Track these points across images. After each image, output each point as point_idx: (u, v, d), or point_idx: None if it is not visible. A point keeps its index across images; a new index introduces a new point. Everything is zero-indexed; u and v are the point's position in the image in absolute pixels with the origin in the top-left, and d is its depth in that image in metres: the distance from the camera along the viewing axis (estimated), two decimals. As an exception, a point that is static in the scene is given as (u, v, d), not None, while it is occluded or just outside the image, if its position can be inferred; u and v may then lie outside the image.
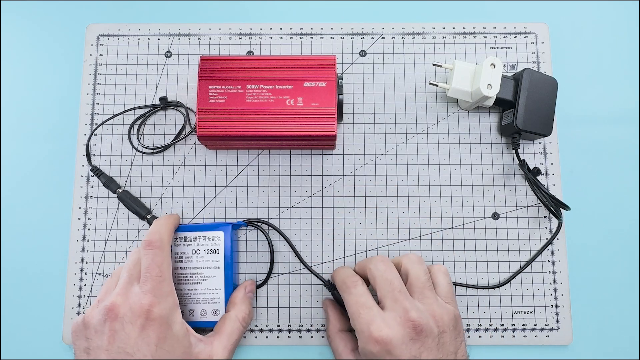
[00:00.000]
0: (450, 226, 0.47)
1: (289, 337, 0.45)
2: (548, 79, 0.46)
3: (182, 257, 0.44)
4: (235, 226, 0.45)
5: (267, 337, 0.45)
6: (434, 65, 0.47)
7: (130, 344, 0.34)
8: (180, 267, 0.43)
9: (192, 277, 0.43)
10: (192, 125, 0.49)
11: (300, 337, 0.45)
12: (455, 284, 0.45)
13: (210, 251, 0.43)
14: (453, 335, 0.37)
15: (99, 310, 0.36)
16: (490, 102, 0.46)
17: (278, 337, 0.45)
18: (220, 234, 0.43)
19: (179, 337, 0.36)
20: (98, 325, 0.36)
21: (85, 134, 0.49)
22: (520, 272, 0.46)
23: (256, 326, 0.45)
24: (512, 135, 0.46)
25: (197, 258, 0.43)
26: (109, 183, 0.47)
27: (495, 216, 0.47)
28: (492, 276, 0.46)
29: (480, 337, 0.45)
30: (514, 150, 0.47)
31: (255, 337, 0.45)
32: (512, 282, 0.46)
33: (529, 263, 0.46)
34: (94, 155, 0.48)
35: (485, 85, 0.43)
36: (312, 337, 0.45)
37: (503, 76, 0.45)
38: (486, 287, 0.46)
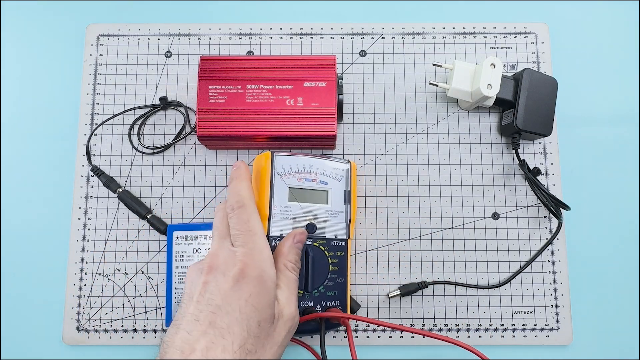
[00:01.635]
0: (450, 226, 0.47)
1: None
2: (548, 79, 0.46)
3: (182, 255, 0.44)
4: None
5: (267, 337, 0.45)
6: (434, 65, 0.47)
7: (220, 296, 0.32)
8: (181, 266, 0.43)
9: None
10: (192, 125, 0.49)
11: (300, 337, 0.45)
12: (455, 283, 0.45)
13: None
14: None
15: (198, 264, 0.35)
16: (490, 102, 0.46)
17: (278, 337, 0.45)
18: None
19: (269, 292, 0.34)
20: (195, 277, 0.34)
21: (85, 134, 0.49)
22: (520, 272, 0.46)
23: (256, 326, 0.45)
24: (512, 135, 0.46)
25: (198, 257, 0.43)
26: (109, 183, 0.47)
27: (495, 216, 0.47)
28: (492, 276, 0.46)
29: (480, 337, 0.45)
30: (514, 150, 0.47)
31: (255, 337, 0.45)
32: (512, 282, 0.46)
33: (529, 263, 0.46)
34: (94, 155, 0.48)
35: (485, 85, 0.43)
36: (312, 337, 0.45)
37: (503, 76, 0.45)
38: (486, 287, 0.46)
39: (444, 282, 0.45)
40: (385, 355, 0.45)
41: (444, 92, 0.49)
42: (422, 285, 0.45)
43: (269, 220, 0.40)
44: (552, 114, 0.46)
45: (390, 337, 0.45)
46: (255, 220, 0.37)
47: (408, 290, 0.45)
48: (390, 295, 0.45)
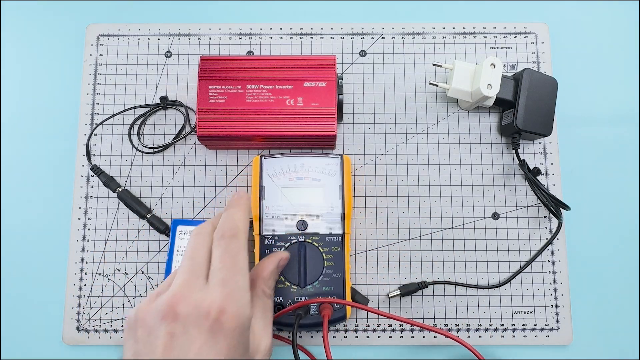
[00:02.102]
0: (450, 226, 0.47)
1: (289, 337, 0.45)
2: (548, 79, 0.46)
3: (184, 250, 0.44)
4: None
5: (267, 337, 0.45)
6: (434, 65, 0.47)
7: (191, 353, 0.26)
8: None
9: None
10: (192, 125, 0.49)
11: (300, 337, 0.45)
12: (455, 283, 0.45)
13: None
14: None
15: (156, 306, 0.28)
16: (490, 102, 0.46)
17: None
18: None
19: (246, 340, 0.29)
20: (153, 326, 0.27)
21: (85, 134, 0.49)
22: (520, 272, 0.46)
23: (256, 326, 0.45)
24: (512, 135, 0.46)
25: None
26: (109, 182, 0.47)
27: (495, 216, 0.47)
28: (492, 276, 0.46)
29: (480, 337, 0.45)
30: (514, 150, 0.47)
31: (255, 337, 0.45)
32: (512, 282, 0.46)
33: (529, 263, 0.46)
34: (94, 155, 0.48)
35: (485, 85, 0.43)
36: (312, 337, 0.45)
37: (503, 76, 0.45)
38: (486, 287, 0.46)
39: (443, 282, 0.45)
40: (385, 355, 0.45)
41: (444, 92, 0.49)
42: (422, 285, 0.45)
43: (260, 220, 0.42)
44: (552, 114, 0.46)
45: (390, 337, 0.45)
46: (244, 256, 0.31)
47: (408, 290, 0.45)
48: (390, 295, 0.45)
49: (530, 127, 0.45)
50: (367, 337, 0.45)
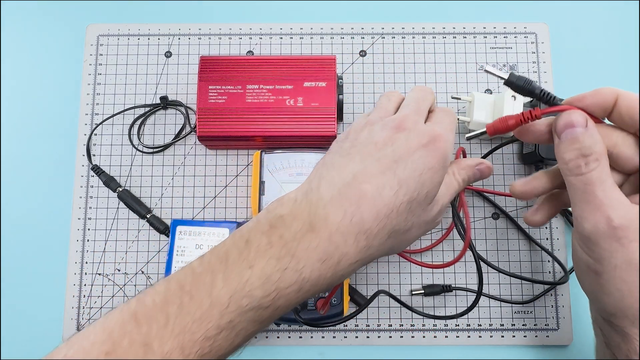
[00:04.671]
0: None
1: (289, 337, 0.45)
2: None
3: (184, 250, 0.44)
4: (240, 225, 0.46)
5: (267, 337, 0.45)
6: (452, 98, 0.45)
7: (405, 151, 0.28)
8: (182, 261, 0.44)
9: None
10: (192, 125, 0.49)
11: (300, 337, 0.45)
12: (455, 288, 0.45)
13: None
14: None
15: (387, 120, 0.31)
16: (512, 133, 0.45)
17: (278, 337, 0.45)
18: (225, 231, 0.44)
19: (443, 175, 0.30)
20: (382, 127, 0.30)
21: (85, 134, 0.49)
22: (520, 272, 0.46)
23: (256, 326, 0.45)
24: (536, 163, 0.46)
25: (200, 253, 0.43)
26: (109, 182, 0.47)
27: (495, 216, 0.47)
28: (492, 276, 0.46)
29: (480, 337, 0.45)
30: None
31: (255, 337, 0.45)
32: (512, 282, 0.46)
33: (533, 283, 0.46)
34: (94, 155, 0.48)
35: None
36: (312, 337, 0.45)
37: (524, 106, 0.44)
38: (517, 302, 0.46)
39: (466, 289, 0.45)
40: (385, 355, 0.45)
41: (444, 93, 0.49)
42: (447, 288, 0.45)
43: None
44: None
45: (390, 337, 0.45)
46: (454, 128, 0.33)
47: (432, 290, 0.45)
48: (413, 293, 0.45)
49: (554, 155, 0.44)
50: (367, 337, 0.45)
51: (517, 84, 0.29)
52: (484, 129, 0.32)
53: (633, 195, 0.28)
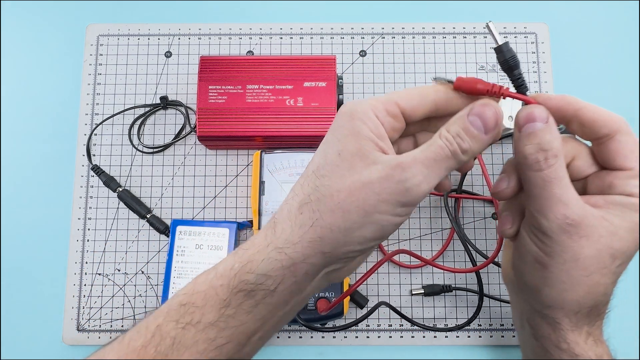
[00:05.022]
0: (450, 226, 0.47)
1: (289, 337, 0.45)
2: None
3: (184, 250, 0.44)
4: (241, 225, 0.46)
5: (267, 337, 0.45)
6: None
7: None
8: (182, 261, 0.44)
9: (192, 271, 0.43)
10: (192, 125, 0.49)
11: (300, 337, 0.45)
12: (455, 288, 0.45)
13: (213, 247, 0.44)
14: None
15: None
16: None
17: (278, 337, 0.45)
18: (225, 231, 0.44)
19: (354, 127, 0.28)
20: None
21: (85, 134, 0.49)
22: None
23: (256, 326, 0.45)
24: None
25: (200, 253, 0.44)
26: (109, 182, 0.47)
27: (495, 216, 0.47)
28: (493, 276, 0.46)
29: (480, 337, 0.45)
30: None
31: (255, 337, 0.45)
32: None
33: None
34: (94, 155, 0.48)
35: (507, 117, 0.43)
36: (312, 337, 0.45)
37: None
38: (494, 297, 0.46)
39: (466, 290, 0.45)
40: (386, 355, 0.45)
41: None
42: (447, 288, 0.45)
43: (260, 215, 0.43)
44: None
45: (391, 337, 0.45)
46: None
47: (432, 290, 0.45)
48: (413, 293, 0.45)
49: None
50: (367, 337, 0.45)
51: (505, 55, 0.28)
52: (452, 79, 0.28)
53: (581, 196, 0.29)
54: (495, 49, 0.29)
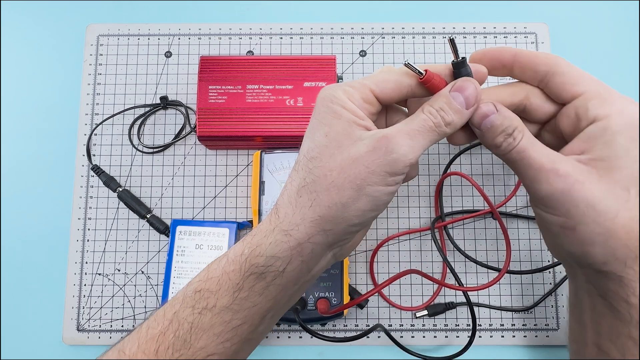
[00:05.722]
0: (450, 226, 0.47)
1: (289, 337, 0.45)
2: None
3: (184, 250, 0.44)
4: (241, 225, 0.46)
5: (266, 337, 0.45)
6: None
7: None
8: (182, 261, 0.44)
9: (192, 271, 0.43)
10: (192, 125, 0.49)
11: (300, 337, 0.45)
12: (457, 304, 0.45)
13: (213, 247, 0.44)
14: None
15: None
16: None
17: (278, 337, 0.45)
18: (225, 230, 0.44)
19: (333, 108, 0.29)
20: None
21: (85, 134, 0.49)
22: (520, 271, 0.46)
23: (256, 326, 0.45)
24: None
25: (200, 253, 0.44)
26: (109, 182, 0.47)
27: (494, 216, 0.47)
28: (492, 276, 0.46)
29: (480, 337, 0.45)
30: None
31: (255, 337, 0.45)
32: (512, 282, 0.46)
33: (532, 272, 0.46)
34: (94, 155, 0.48)
35: None
36: (312, 337, 0.45)
37: None
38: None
39: (469, 304, 0.44)
40: (386, 355, 0.45)
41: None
42: (450, 306, 0.45)
43: (260, 214, 0.43)
44: None
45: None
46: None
47: (435, 310, 0.45)
48: (417, 316, 0.45)
49: None
50: (367, 337, 0.45)
51: (458, 70, 0.29)
52: (422, 71, 0.29)
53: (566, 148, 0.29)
54: (452, 63, 0.29)
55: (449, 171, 0.47)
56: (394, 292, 0.46)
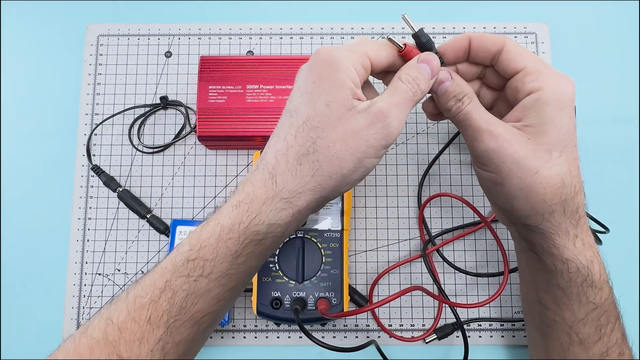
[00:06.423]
0: (450, 226, 0.47)
1: (289, 337, 0.45)
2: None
3: None
4: None
5: (267, 337, 0.45)
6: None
7: (296, 85, 0.32)
8: None
9: None
10: (192, 125, 0.49)
11: (300, 337, 0.45)
12: (465, 322, 0.45)
13: None
14: None
15: None
16: None
17: (278, 337, 0.45)
18: None
19: (339, 77, 0.30)
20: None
21: (85, 134, 0.49)
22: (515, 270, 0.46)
23: (256, 326, 0.45)
24: None
25: None
26: (109, 182, 0.47)
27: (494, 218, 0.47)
28: (494, 280, 0.46)
29: (480, 337, 0.45)
30: None
31: (255, 337, 0.45)
32: (512, 282, 0.46)
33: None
34: (94, 155, 0.48)
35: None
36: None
37: None
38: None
39: (478, 320, 0.45)
40: (386, 354, 0.45)
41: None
42: (457, 326, 0.44)
43: None
44: None
45: (390, 337, 0.45)
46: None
47: (444, 333, 0.44)
48: (427, 341, 0.44)
49: None
50: (367, 337, 0.45)
51: (422, 40, 0.33)
52: (402, 45, 0.33)
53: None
54: (413, 35, 0.33)
55: (433, 194, 0.46)
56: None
